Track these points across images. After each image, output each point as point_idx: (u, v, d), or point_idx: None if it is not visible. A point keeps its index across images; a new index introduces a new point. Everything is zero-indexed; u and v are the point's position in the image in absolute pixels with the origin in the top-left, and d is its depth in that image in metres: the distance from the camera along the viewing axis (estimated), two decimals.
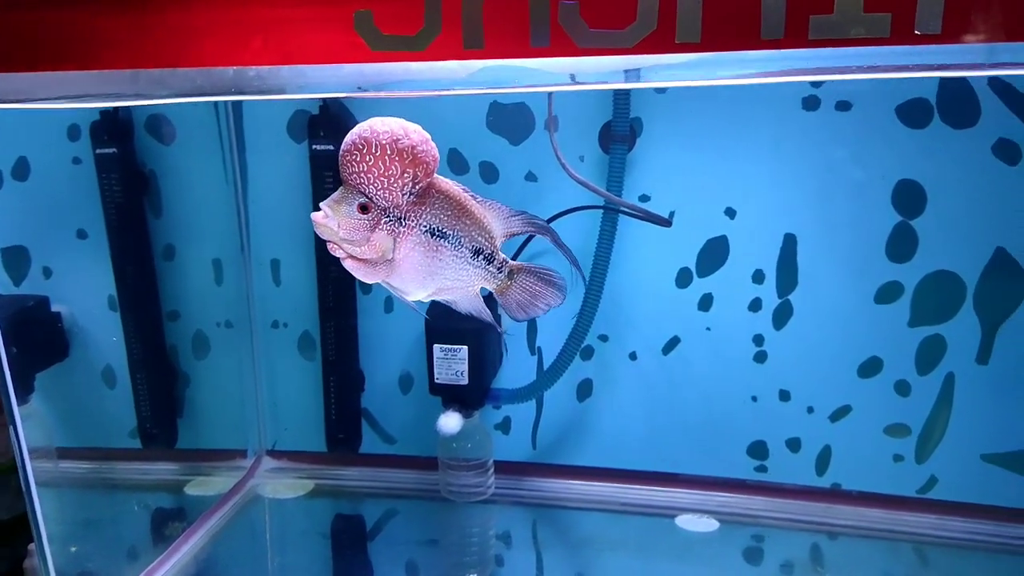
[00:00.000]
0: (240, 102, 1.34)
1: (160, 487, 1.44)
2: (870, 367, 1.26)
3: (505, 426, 1.43)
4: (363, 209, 0.74)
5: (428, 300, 0.84)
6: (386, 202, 0.74)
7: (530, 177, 1.31)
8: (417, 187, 0.75)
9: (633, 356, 1.36)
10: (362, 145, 0.72)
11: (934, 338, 1.23)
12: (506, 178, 1.32)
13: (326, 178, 1.30)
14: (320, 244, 1.35)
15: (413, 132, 0.74)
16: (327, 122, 1.29)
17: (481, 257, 0.81)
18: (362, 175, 0.73)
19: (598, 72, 0.71)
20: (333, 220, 0.73)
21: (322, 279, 1.36)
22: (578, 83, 0.84)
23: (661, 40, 0.61)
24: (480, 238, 0.80)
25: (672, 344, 1.33)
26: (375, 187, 0.73)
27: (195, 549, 1.28)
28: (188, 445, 1.45)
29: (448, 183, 0.78)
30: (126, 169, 1.33)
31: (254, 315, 1.44)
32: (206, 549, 1.29)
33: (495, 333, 1.33)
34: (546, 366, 1.36)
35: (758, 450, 1.34)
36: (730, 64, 0.69)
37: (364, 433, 1.46)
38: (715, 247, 1.28)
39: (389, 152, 0.72)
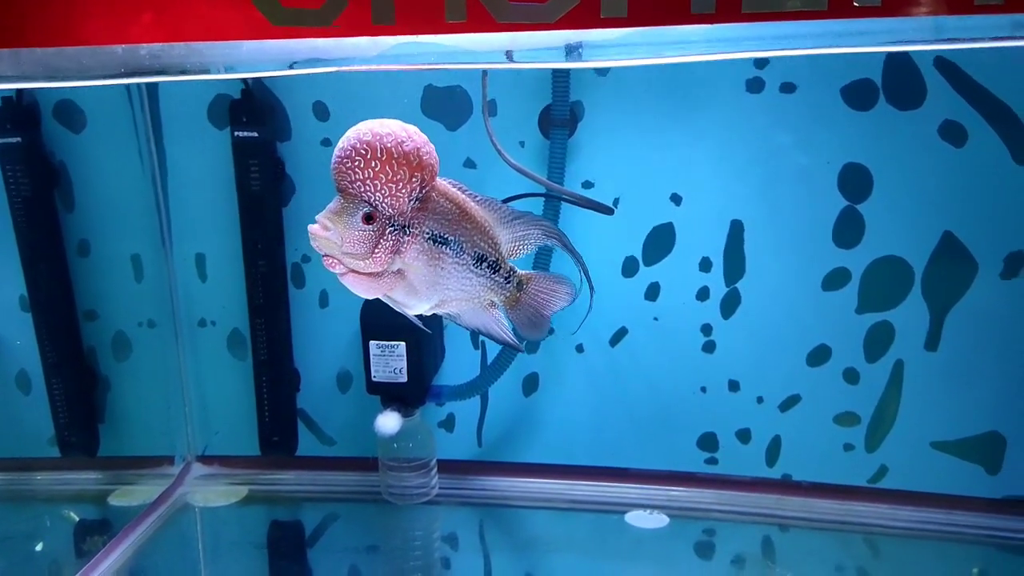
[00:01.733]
0: (155, 86, 1.25)
1: (81, 498, 1.36)
2: (819, 355, 1.23)
3: (449, 424, 1.38)
4: (367, 219, 0.68)
5: (431, 314, 0.78)
6: (392, 210, 0.68)
7: (469, 164, 1.25)
8: (423, 192, 0.70)
9: (580, 348, 1.31)
10: (365, 150, 0.66)
11: (882, 325, 1.20)
12: (443, 165, 1.24)
13: (250, 167, 1.23)
14: (249, 237, 1.29)
15: (415, 134, 0.69)
16: (250, 107, 1.22)
17: (485, 265, 0.75)
18: (367, 182, 0.67)
19: (526, 49, 0.65)
20: (335, 233, 0.67)
21: (251, 274, 1.29)
22: (513, 62, 0.79)
23: (586, 14, 0.56)
24: (483, 244, 0.74)
25: (620, 335, 1.29)
26: (381, 195, 0.67)
27: (118, 563, 1.20)
28: (111, 453, 1.37)
29: (447, 185, 0.73)
30: (33, 160, 1.24)
31: (179, 313, 1.36)
32: (130, 563, 1.21)
33: (433, 328, 1.27)
34: (490, 361, 1.31)
35: (708, 442, 1.31)
36: (666, 42, 0.65)
37: (301, 435, 1.40)
38: (661, 234, 1.24)
39: (395, 156, 0.67)
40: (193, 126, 1.27)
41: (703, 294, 1.25)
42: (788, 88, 1.15)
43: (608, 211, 1.13)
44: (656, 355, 1.28)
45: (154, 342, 1.37)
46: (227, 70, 0.72)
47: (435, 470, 1.32)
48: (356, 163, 0.66)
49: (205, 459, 1.42)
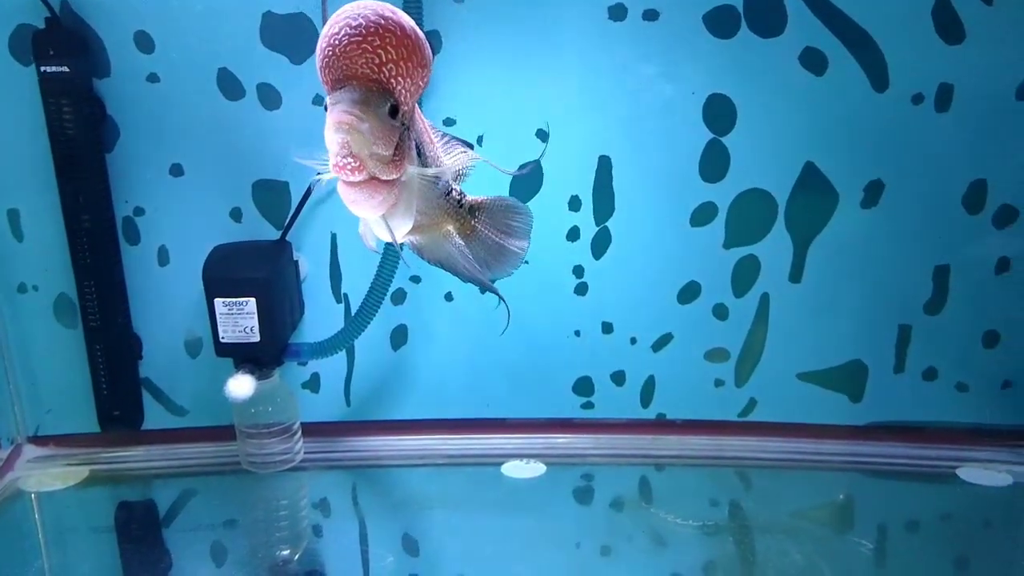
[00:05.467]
0: None
1: None
2: (688, 292, 1.22)
3: (314, 384, 1.29)
4: (394, 112, 0.57)
5: (401, 241, 0.68)
6: (407, 106, 0.58)
7: (318, 101, 1.14)
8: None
9: (449, 297, 1.25)
10: (394, 27, 0.55)
11: (748, 259, 1.20)
12: (290, 103, 1.15)
13: (63, 107, 1.08)
14: (68, 189, 1.14)
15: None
16: (57, 38, 1.07)
17: (440, 184, 0.66)
18: (398, 64, 0.56)
19: None
20: (368, 126, 0.55)
21: (73, 230, 1.15)
22: None
23: None
24: (439, 159, 0.66)
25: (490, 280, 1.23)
26: (407, 83, 0.57)
27: None
28: None
29: None
30: None
31: None
32: None
33: (287, 281, 1.18)
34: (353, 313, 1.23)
35: (583, 387, 1.28)
36: None
37: (147, 407, 1.28)
38: (528, 173, 1.18)
39: (420, 41, 0.57)
40: None
41: (573, 234, 1.21)
42: (651, 15, 1.10)
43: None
44: (528, 300, 1.24)
45: None
46: None
47: (299, 434, 1.24)
48: (387, 41, 0.55)
49: (37, 440, 1.28)
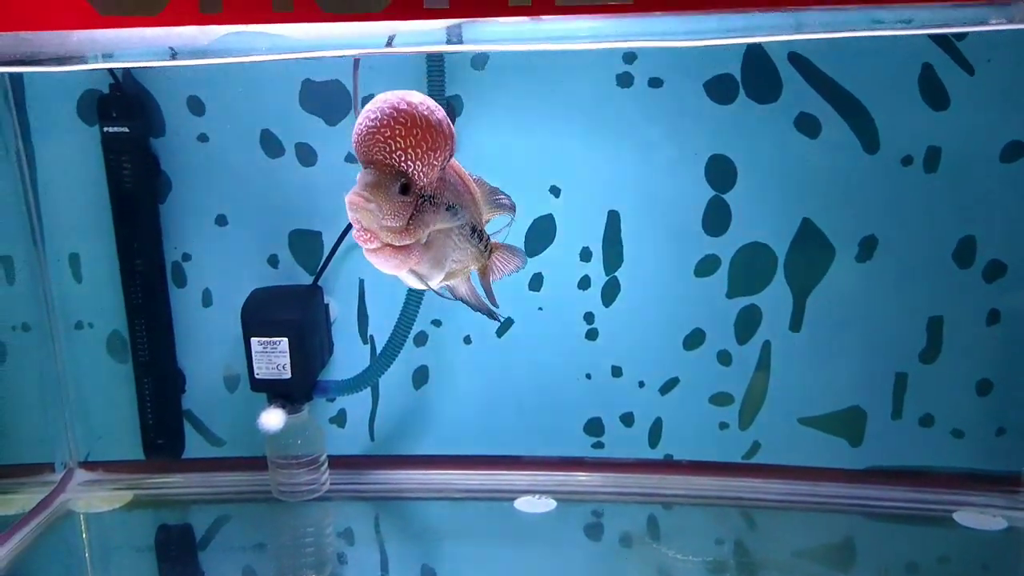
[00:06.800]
0: (20, 82, 1.21)
1: None
2: (694, 339, 1.29)
3: (340, 419, 1.38)
4: (404, 190, 0.67)
5: (441, 286, 0.79)
6: (424, 180, 0.68)
7: (350, 159, 1.25)
8: (447, 161, 0.71)
9: (468, 340, 1.33)
10: (405, 120, 0.65)
11: (750, 308, 1.26)
12: (324, 160, 1.25)
13: (122, 162, 1.20)
14: (123, 235, 1.26)
15: (434, 104, 0.69)
16: (119, 102, 1.19)
17: (476, 234, 0.77)
18: (407, 151, 0.66)
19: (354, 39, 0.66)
20: (375, 205, 0.65)
21: (127, 273, 1.26)
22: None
23: (409, 6, 0.58)
24: (476, 213, 0.76)
25: (506, 326, 1.31)
26: (420, 164, 0.67)
27: None
28: None
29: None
30: None
31: (54, 316, 1.31)
32: (8, 571, 1.17)
33: (318, 323, 1.27)
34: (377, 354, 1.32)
35: (594, 427, 1.35)
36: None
37: (188, 437, 1.37)
38: (542, 226, 1.27)
39: (433, 125, 0.67)
40: (62, 122, 1.23)
41: (584, 283, 1.29)
42: (656, 83, 1.19)
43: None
44: (542, 344, 1.31)
45: (29, 346, 1.32)
46: (57, 62, 0.71)
47: (325, 466, 1.32)
48: (397, 132, 0.65)
49: (88, 465, 1.38)
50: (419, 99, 0.68)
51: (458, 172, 0.76)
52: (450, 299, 0.83)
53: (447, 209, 0.72)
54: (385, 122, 0.65)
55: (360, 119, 0.67)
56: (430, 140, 0.67)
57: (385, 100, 0.66)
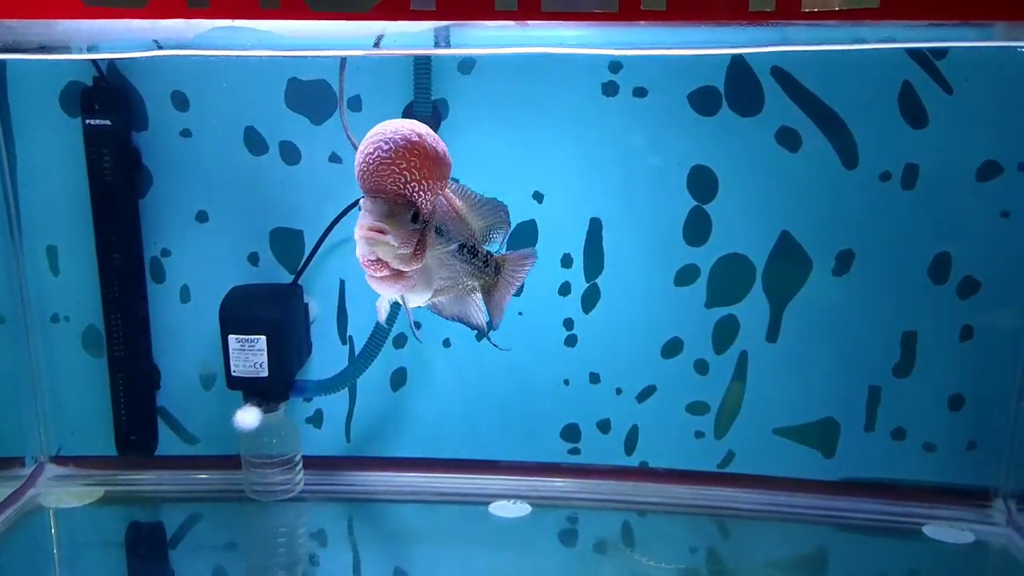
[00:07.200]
0: (2, 72, 1.20)
1: None
2: (672, 348, 1.30)
3: (317, 419, 1.37)
4: (415, 218, 0.69)
5: (426, 305, 0.80)
6: (428, 206, 0.71)
7: (334, 159, 1.25)
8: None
9: (447, 343, 1.33)
10: (419, 151, 0.67)
11: (728, 318, 1.27)
12: (308, 159, 1.25)
13: (103, 156, 1.19)
14: (103, 229, 1.25)
15: (434, 133, 0.71)
16: (103, 94, 1.19)
17: (466, 251, 0.78)
18: (420, 182, 0.68)
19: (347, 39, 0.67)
20: (392, 236, 0.67)
21: (105, 267, 1.25)
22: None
23: (396, 7, 0.58)
24: (463, 230, 0.77)
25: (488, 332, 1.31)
26: (428, 193, 0.69)
27: None
28: None
29: None
30: None
31: (29, 309, 1.30)
32: None
33: (296, 322, 1.27)
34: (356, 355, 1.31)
35: (571, 433, 1.35)
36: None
37: (162, 434, 1.36)
38: (524, 231, 1.27)
39: (440, 155, 0.69)
40: (44, 114, 1.22)
41: (565, 289, 1.29)
42: (640, 92, 1.20)
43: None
44: (521, 349, 1.31)
45: (3, 338, 1.30)
46: (41, 51, 0.70)
47: (300, 466, 1.31)
48: (412, 164, 0.67)
49: (59, 460, 1.37)
50: (425, 130, 0.70)
51: (443, 193, 0.77)
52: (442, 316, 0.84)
53: (436, 230, 0.74)
54: (401, 154, 0.67)
55: (368, 149, 0.68)
56: (438, 171, 0.69)
57: (395, 131, 0.68)
